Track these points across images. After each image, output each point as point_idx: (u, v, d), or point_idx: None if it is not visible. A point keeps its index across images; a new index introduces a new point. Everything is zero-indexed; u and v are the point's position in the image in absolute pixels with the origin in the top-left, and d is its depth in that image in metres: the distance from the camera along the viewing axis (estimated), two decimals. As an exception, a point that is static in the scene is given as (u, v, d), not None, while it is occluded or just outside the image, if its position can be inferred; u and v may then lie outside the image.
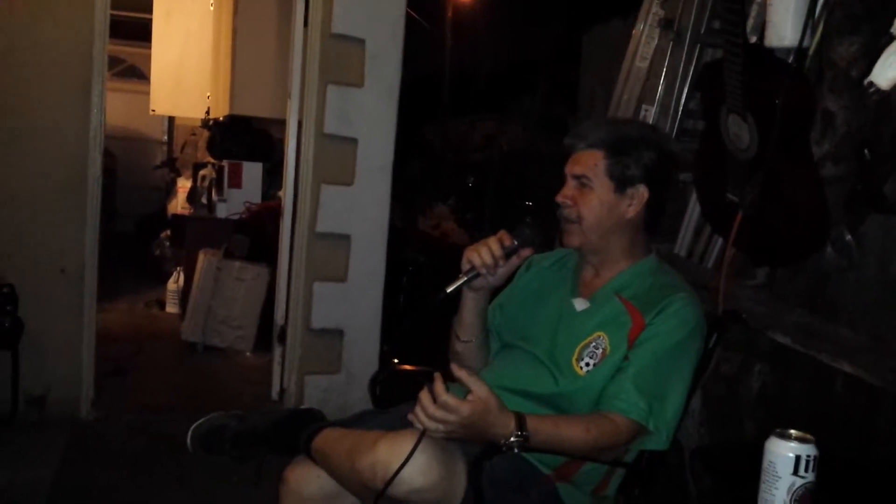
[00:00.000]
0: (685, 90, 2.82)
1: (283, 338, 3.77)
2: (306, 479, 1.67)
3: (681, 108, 2.83)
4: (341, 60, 3.52)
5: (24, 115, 3.22)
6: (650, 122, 2.72)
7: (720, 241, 2.48)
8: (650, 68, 2.92)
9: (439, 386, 1.42)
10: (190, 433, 1.77)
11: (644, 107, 2.74)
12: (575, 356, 1.67)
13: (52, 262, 3.25)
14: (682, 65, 2.83)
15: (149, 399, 3.80)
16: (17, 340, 3.13)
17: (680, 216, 2.71)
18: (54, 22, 3.22)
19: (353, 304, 3.67)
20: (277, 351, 3.82)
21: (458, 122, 7.67)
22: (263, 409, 3.18)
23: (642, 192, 1.70)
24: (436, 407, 1.42)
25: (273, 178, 5.10)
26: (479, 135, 7.23)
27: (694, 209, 2.65)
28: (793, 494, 1.16)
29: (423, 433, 1.42)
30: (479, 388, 1.44)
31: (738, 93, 1.92)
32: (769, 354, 2.30)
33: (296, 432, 1.70)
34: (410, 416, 1.44)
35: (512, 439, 1.45)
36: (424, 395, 1.43)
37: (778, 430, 1.20)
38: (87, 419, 3.41)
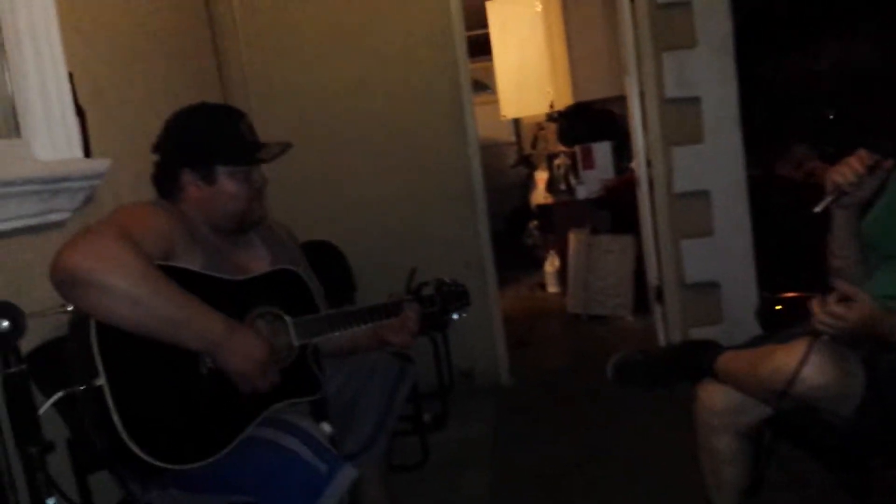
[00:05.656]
0: None
1: (660, 297, 4.01)
2: (715, 394, 1.92)
3: None
4: (671, 26, 3.65)
5: (418, 147, 3.89)
6: None
7: None
8: None
9: (832, 298, 1.58)
10: (609, 366, 2.15)
11: None
12: None
13: (458, 258, 3.85)
14: None
15: (550, 364, 4.36)
16: (448, 325, 3.79)
17: None
18: (424, 61, 3.84)
19: (724, 256, 3.75)
20: (658, 310, 4.08)
21: (796, 52, 7.19)
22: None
23: None
24: (825, 314, 1.59)
25: (621, 153, 5.37)
26: (825, 62, 6.74)
27: None
28: None
29: (815, 336, 1.60)
30: (858, 295, 1.57)
31: None
32: None
33: (697, 358, 1.98)
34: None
35: None
36: (816, 304, 1.60)
37: None
38: (506, 385, 4.02)
